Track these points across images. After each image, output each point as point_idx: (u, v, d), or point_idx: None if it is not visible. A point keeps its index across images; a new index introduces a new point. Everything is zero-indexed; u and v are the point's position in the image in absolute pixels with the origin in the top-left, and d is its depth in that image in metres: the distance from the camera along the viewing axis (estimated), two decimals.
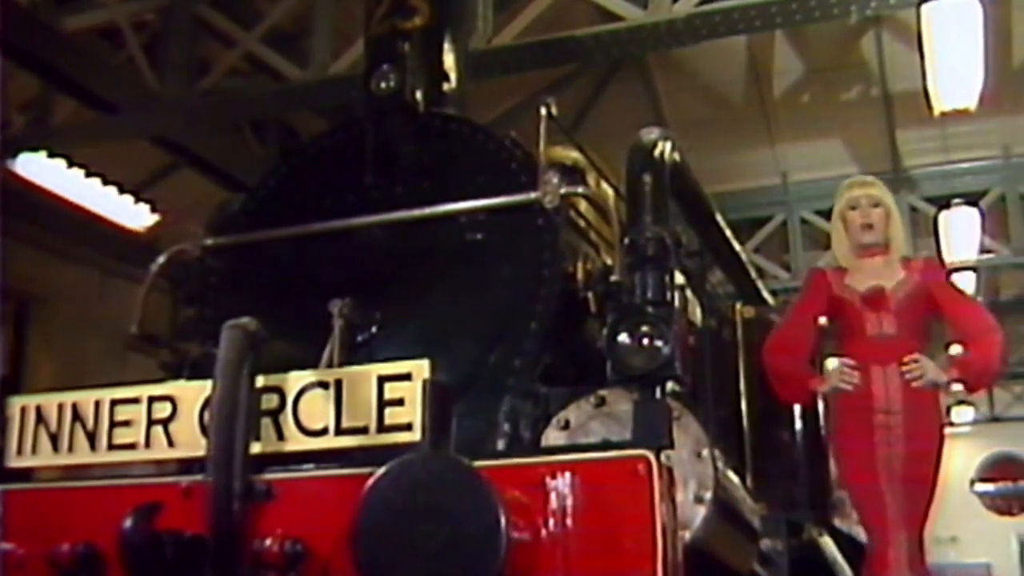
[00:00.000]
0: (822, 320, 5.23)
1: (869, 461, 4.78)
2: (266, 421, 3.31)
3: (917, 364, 4.80)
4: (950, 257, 12.47)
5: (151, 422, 3.43)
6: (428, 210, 4.13)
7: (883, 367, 4.85)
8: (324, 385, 3.30)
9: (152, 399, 3.45)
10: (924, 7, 8.49)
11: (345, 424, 3.25)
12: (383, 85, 4.37)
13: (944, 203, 12.32)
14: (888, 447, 4.76)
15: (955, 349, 5.25)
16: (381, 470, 2.88)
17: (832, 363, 5.12)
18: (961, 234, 12.32)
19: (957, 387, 5.15)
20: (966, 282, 13.70)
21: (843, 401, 4.90)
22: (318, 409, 3.28)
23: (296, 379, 3.34)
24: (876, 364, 4.86)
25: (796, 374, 5.00)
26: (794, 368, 4.99)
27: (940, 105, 9.68)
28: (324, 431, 3.27)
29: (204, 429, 3.28)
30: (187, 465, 3.44)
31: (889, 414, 4.79)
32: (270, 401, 3.32)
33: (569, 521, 3.02)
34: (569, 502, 3.03)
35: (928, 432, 4.85)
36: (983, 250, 12.61)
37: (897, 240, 5.12)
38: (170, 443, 3.41)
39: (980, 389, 5.35)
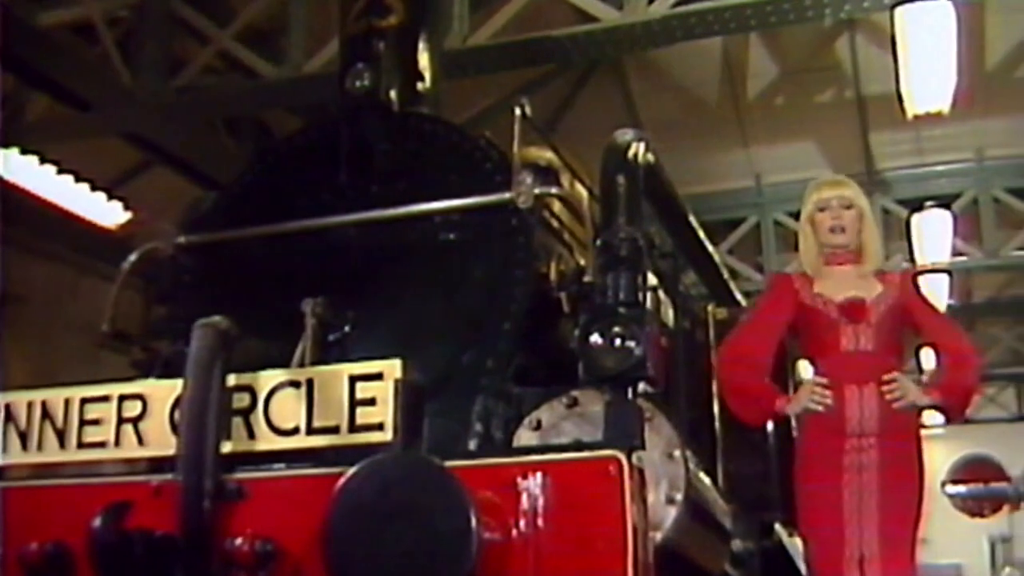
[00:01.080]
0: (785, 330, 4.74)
1: (834, 487, 4.32)
2: (237, 420, 3.29)
3: (897, 384, 4.39)
4: (922, 259, 12.56)
5: (121, 420, 3.40)
6: (402, 210, 4.12)
7: (859, 386, 4.39)
8: (296, 384, 3.29)
9: (123, 397, 3.43)
10: (897, 10, 8.53)
11: (316, 423, 3.24)
12: (358, 84, 4.36)
13: (917, 206, 12.39)
14: (859, 475, 4.32)
15: (928, 357, 5.12)
16: (352, 470, 2.88)
17: (807, 372, 4.73)
18: (934, 236, 12.40)
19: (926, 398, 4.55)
20: (939, 284, 13.80)
21: (812, 422, 4.43)
22: (289, 408, 3.27)
23: (267, 378, 3.32)
24: (851, 382, 4.40)
25: (757, 391, 4.49)
26: (755, 384, 4.48)
27: (913, 108, 9.74)
28: (295, 430, 3.25)
29: (175, 428, 3.27)
30: (158, 464, 3.41)
31: (862, 437, 4.35)
32: (241, 400, 3.31)
33: (540, 521, 3.02)
34: (541, 502, 3.03)
35: (904, 460, 4.41)
36: (955, 252, 12.68)
37: (872, 248, 4.66)
38: (140, 442, 3.38)
39: (958, 416, 4.75)
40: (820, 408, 4.37)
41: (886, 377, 4.39)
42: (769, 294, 4.78)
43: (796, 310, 4.56)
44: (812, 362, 4.63)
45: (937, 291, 13.94)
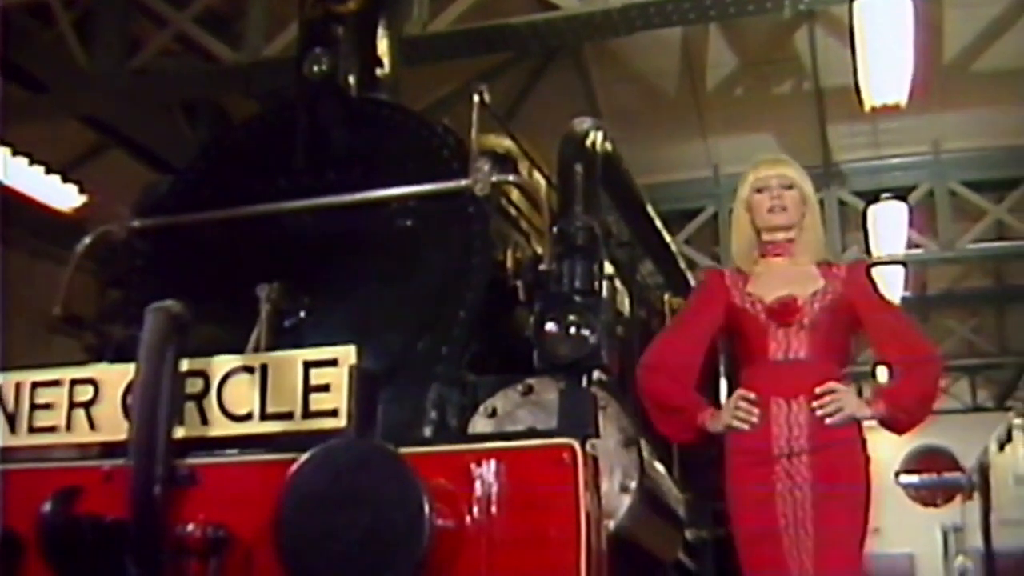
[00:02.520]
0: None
1: (771, 529, 3.81)
2: (190, 405, 3.28)
3: (833, 395, 3.85)
4: (878, 251, 12.65)
5: (73, 405, 3.38)
6: (358, 196, 4.11)
7: (787, 400, 3.87)
8: (249, 370, 3.28)
9: (74, 382, 3.40)
10: (856, 3, 8.60)
11: (270, 409, 3.24)
12: (315, 69, 4.33)
13: (873, 198, 12.46)
14: (792, 500, 3.80)
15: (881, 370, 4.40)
16: (305, 456, 2.87)
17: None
18: (889, 228, 12.48)
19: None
20: (894, 276, 13.91)
21: (736, 442, 3.93)
22: (243, 394, 3.26)
23: (221, 363, 3.31)
24: (778, 396, 3.88)
25: (678, 403, 4.01)
26: (676, 395, 4.01)
27: (871, 100, 9.80)
28: (249, 416, 3.25)
29: (127, 412, 3.25)
30: (109, 449, 3.40)
31: (793, 457, 3.82)
32: (194, 385, 3.29)
33: (494, 509, 3.03)
34: (494, 490, 3.04)
35: (842, 483, 3.84)
36: (911, 245, 12.77)
37: (812, 236, 4.13)
38: (92, 426, 3.36)
39: (910, 429, 4.01)
40: (744, 426, 3.88)
41: (818, 389, 3.85)
42: (698, 293, 4.26)
43: (727, 312, 4.05)
44: (740, 372, 4.10)
45: (892, 283, 14.07)
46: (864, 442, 3.93)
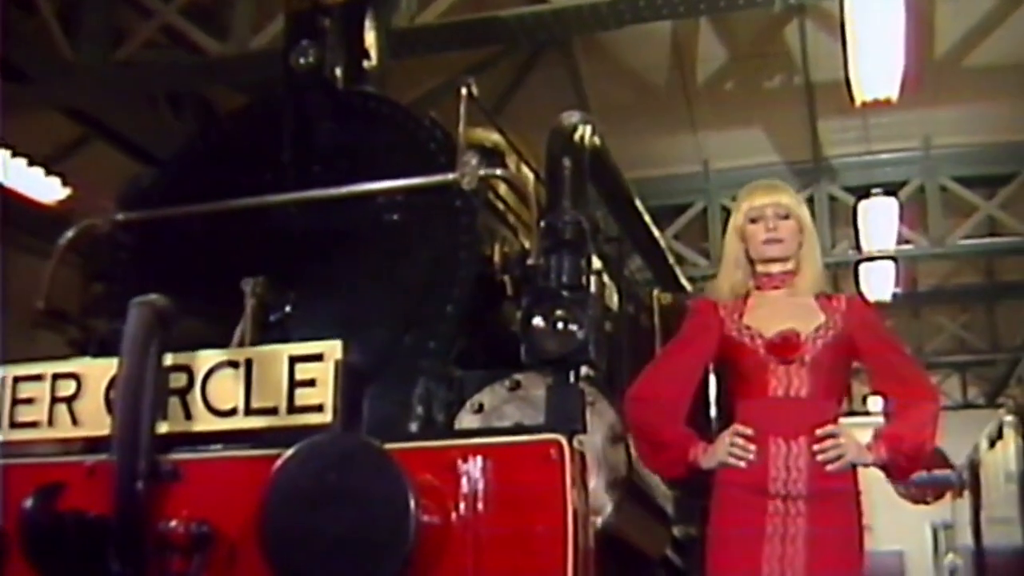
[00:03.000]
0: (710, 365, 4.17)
1: (752, 555, 3.60)
2: (174, 400, 3.29)
3: (834, 440, 3.66)
4: (868, 247, 12.68)
5: (55, 400, 3.39)
6: (345, 189, 4.10)
7: (786, 440, 3.67)
8: (234, 364, 3.29)
9: (56, 376, 3.41)
10: None
11: (255, 404, 3.25)
12: (302, 61, 4.33)
13: (863, 193, 12.48)
14: (781, 545, 3.59)
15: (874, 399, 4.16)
16: (290, 452, 2.88)
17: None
18: (879, 224, 12.50)
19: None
20: (884, 272, 13.94)
21: (728, 477, 3.70)
22: (227, 389, 3.27)
23: (205, 358, 3.31)
24: (777, 435, 3.68)
25: (669, 437, 3.78)
26: (666, 429, 3.78)
27: (861, 95, 9.79)
28: (233, 411, 3.26)
29: (110, 407, 3.25)
30: (92, 444, 3.40)
31: (788, 500, 3.62)
32: (178, 380, 3.30)
33: (480, 505, 3.04)
34: (481, 486, 3.05)
35: (839, 532, 3.67)
36: (901, 240, 12.81)
37: (811, 268, 3.91)
38: (74, 421, 3.37)
39: (910, 475, 3.87)
40: (741, 464, 3.67)
41: (819, 432, 3.66)
42: (689, 323, 3.98)
43: (720, 344, 3.85)
44: (734, 406, 3.89)
45: (882, 279, 14.10)
46: (859, 495, 3.77)
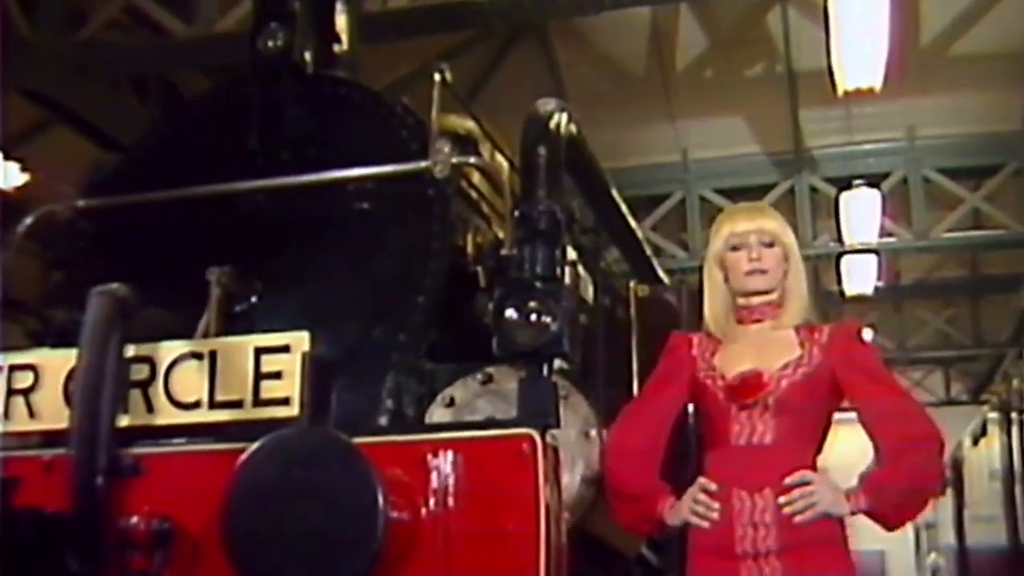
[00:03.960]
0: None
1: None
2: (135, 393, 3.28)
3: (806, 489, 3.32)
4: (850, 239, 12.72)
5: (11, 392, 3.38)
6: (314, 177, 4.09)
7: (750, 494, 3.36)
8: (198, 356, 3.28)
9: (13, 368, 3.40)
10: None
11: (219, 397, 3.25)
12: (270, 44, 4.31)
13: (845, 184, 12.52)
14: None
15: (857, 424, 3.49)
16: (255, 445, 2.87)
17: None
18: (862, 216, 12.55)
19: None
20: (866, 266, 14.00)
21: (697, 542, 3.44)
22: (191, 381, 3.26)
23: (168, 349, 3.31)
24: (740, 488, 3.37)
25: (639, 490, 3.53)
26: (637, 481, 3.54)
27: (844, 84, 9.84)
28: (197, 404, 3.26)
29: (68, 400, 3.24)
30: (50, 438, 3.38)
31: (760, 559, 3.31)
32: (140, 372, 3.30)
33: (451, 500, 3.05)
34: (451, 481, 3.06)
35: (823, 572, 3.35)
36: (884, 233, 12.85)
37: (797, 299, 3.60)
38: (31, 414, 3.36)
39: (901, 525, 3.52)
40: (704, 524, 3.39)
41: (787, 481, 3.33)
42: (664, 360, 3.72)
43: (691, 385, 3.60)
44: (705, 455, 3.60)
45: (864, 273, 14.16)
46: (847, 540, 3.45)
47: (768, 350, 3.50)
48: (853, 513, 3.35)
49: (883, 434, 3.43)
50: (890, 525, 3.45)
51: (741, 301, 3.60)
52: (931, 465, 3.44)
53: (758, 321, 3.58)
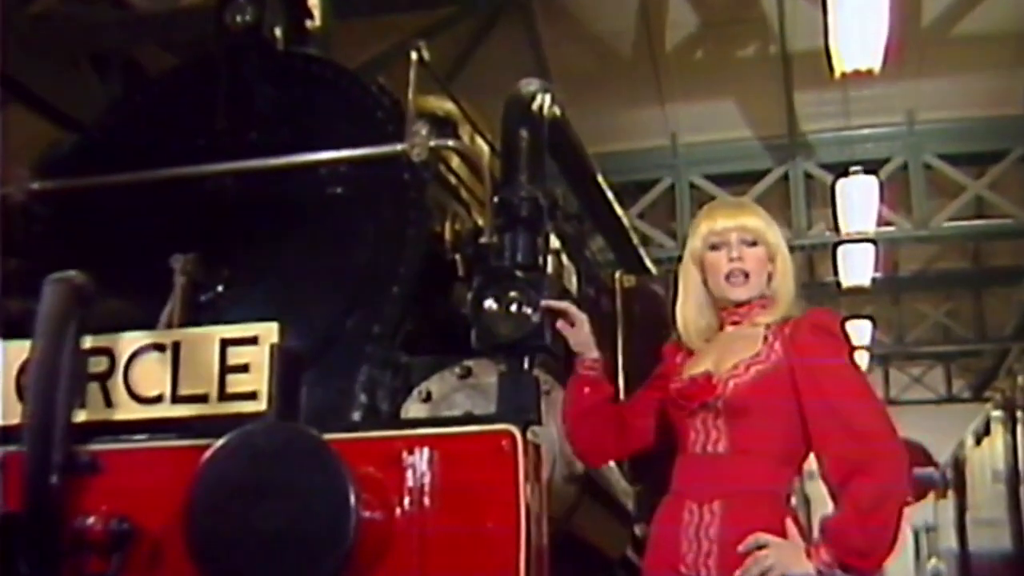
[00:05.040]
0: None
1: None
2: (93, 386, 3.27)
3: (760, 554, 3.05)
4: (847, 228, 12.76)
5: None
6: (284, 159, 4.08)
7: (699, 506, 3.21)
8: (160, 348, 3.28)
9: None
10: None
11: (183, 391, 3.24)
12: (239, 19, 4.30)
13: (842, 171, 12.56)
14: None
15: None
16: (220, 442, 2.87)
17: None
18: (859, 204, 12.59)
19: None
20: (864, 256, 14.04)
21: (647, 556, 3.39)
22: (153, 374, 3.26)
23: (129, 341, 3.30)
24: (691, 499, 3.24)
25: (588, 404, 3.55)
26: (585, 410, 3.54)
27: (841, 66, 9.87)
28: (159, 399, 3.25)
29: (21, 394, 3.22)
30: (2, 434, 3.36)
31: None
32: (99, 364, 3.29)
33: (427, 500, 3.05)
34: (427, 479, 3.06)
35: None
36: (882, 222, 12.88)
37: (783, 304, 3.38)
38: None
39: (874, 569, 3.14)
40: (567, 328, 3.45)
41: (740, 548, 3.08)
42: (655, 371, 3.66)
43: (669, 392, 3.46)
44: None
45: (861, 263, 14.20)
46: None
47: (729, 351, 3.34)
48: (820, 572, 3.06)
49: (832, 453, 3.17)
50: (865, 572, 3.11)
51: (720, 305, 3.46)
52: (893, 495, 3.10)
53: (736, 323, 3.43)
